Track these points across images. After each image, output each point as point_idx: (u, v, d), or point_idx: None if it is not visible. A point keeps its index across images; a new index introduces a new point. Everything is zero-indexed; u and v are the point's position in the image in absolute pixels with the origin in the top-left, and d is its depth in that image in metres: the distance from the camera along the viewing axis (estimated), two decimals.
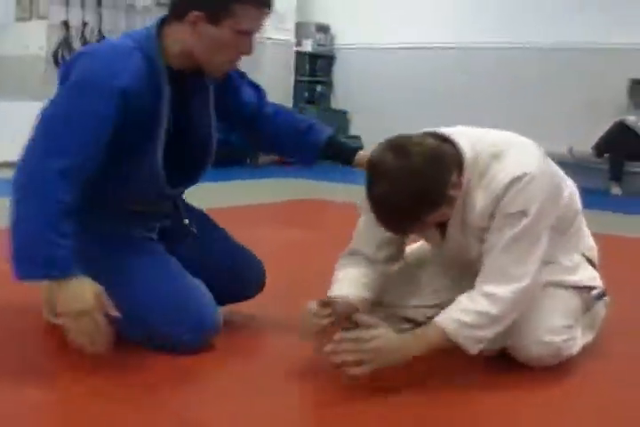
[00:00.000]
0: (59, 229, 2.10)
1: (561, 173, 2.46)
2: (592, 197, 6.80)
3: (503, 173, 2.19)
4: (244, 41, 2.32)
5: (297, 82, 9.97)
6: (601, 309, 2.60)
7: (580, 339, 2.51)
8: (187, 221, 2.67)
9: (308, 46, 9.94)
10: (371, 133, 9.83)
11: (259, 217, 5.44)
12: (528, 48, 8.60)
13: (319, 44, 10.08)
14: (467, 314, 2.19)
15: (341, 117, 10.12)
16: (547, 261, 2.35)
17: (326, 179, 7.57)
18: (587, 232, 2.64)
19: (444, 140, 2.22)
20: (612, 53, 8.09)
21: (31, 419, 2.00)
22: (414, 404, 2.15)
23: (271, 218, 5.62)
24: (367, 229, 2.41)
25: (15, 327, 2.66)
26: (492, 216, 2.24)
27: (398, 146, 2.13)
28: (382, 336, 2.19)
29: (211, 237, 2.72)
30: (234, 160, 8.52)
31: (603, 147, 7.62)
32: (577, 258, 2.54)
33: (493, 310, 2.20)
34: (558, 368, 2.42)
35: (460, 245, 2.38)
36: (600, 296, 2.55)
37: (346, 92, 10.10)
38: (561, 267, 2.48)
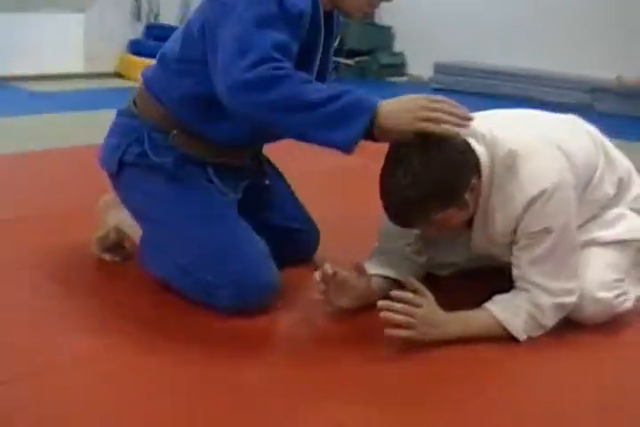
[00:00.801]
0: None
1: (591, 156, 2.38)
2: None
3: (520, 193, 2.17)
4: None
5: None
6: None
7: (632, 293, 2.46)
8: (267, 181, 2.70)
9: None
10: (414, 51, 9.66)
11: None
12: None
13: None
14: (519, 312, 2.24)
15: (385, 33, 9.87)
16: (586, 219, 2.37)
17: None
18: (636, 182, 2.56)
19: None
20: None
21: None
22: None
23: None
24: (392, 227, 2.30)
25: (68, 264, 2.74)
26: (514, 233, 2.23)
27: (428, 135, 2.05)
28: (431, 305, 2.19)
29: (281, 198, 2.76)
30: None
31: None
32: (616, 210, 2.49)
33: (543, 320, 2.26)
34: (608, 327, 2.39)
35: (487, 249, 2.38)
36: None
37: (392, 7, 9.75)
38: (601, 221, 2.45)
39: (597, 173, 2.39)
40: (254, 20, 2.08)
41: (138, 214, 2.55)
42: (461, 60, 9.03)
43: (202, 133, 2.43)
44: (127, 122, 2.52)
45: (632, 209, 2.53)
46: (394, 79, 9.61)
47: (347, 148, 2.05)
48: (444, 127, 2.05)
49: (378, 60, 9.60)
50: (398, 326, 2.14)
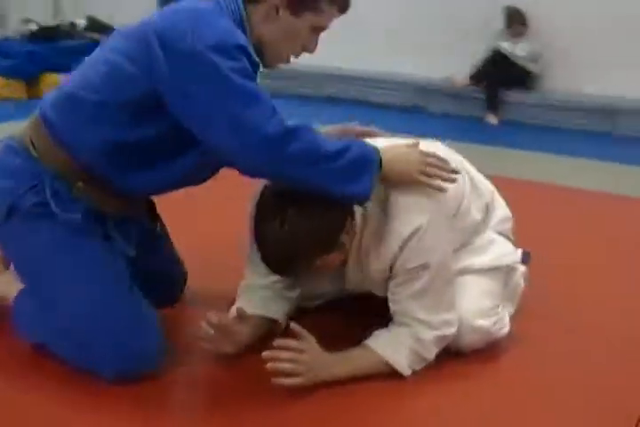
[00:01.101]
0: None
1: (458, 185, 2.32)
2: (469, 126, 7.08)
3: (394, 231, 2.17)
4: (314, 38, 2.21)
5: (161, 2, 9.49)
6: (519, 279, 2.60)
7: (506, 317, 2.51)
8: (158, 227, 2.56)
9: None
10: None
11: None
12: None
13: None
14: (402, 348, 2.23)
15: None
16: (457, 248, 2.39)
17: None
18: (499, 204, 2.61)
19: None
20: None
21: None
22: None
23: None
24: (260, 264, 2.23)
25: None
26: (390, 269, 2.22)
27: (286, 189, 2.08)
28: (315, 350, 2.16)
29: (160, 240, 2.61)
30: None
31: (479, 75, 7.60)
32: (485, 236, 2.53)
33: (425, 354, 2.26)
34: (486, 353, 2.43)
35: (361, 284, 2.36)
36: (516, 267, 2.55)
37: None
38: (472, 248, 2.48)
39: (465, 201, 2.40)
40: (238, 73, 1.96)
41: (21, 267, 2.30)
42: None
43: (112, 184, 2.22)
44: (22, 164, 2.22)
45: (498, 232, 2.56)
46: None
47: (365, 199, 2.10)
48: (438, 183, 2.16)
49: None
50: (286, 373, 2.10)
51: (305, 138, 1.99)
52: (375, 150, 2.10)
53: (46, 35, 7.89)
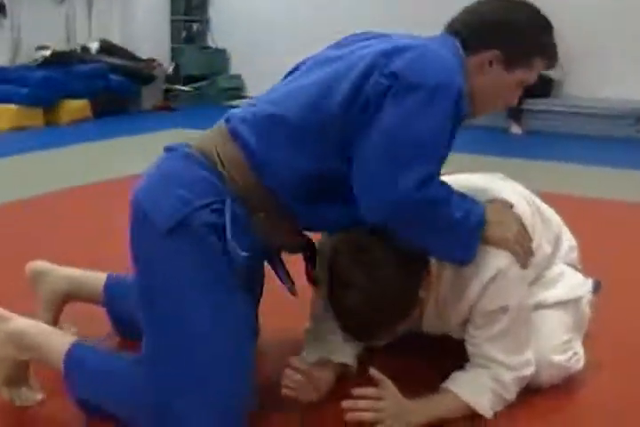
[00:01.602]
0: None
1: (529, 219, 2.28)
2: (493, 137, 7.02)
3: (474, 275, 2.10)
4: (518, 93, 2.19)
5: (173, 21, 9.49)
6: (585, 308, 2.52)
7: (581, 351, 2.43)
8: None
9: None
10: (252, 73, 9.57)
11: None
12: None
13: None
14: (484, 390, 2.17)
15: (221, 57, 9.74)
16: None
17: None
18: (565, 235, 2.56)
19: None
20: None
21: None
22: None
23: None
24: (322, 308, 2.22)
25: None
26: (468, 312, 2.16)
27: (361, 250, 2.03)
28: (395, 396, 2.09)
29: None
30: (116, 108, 8.12)
31: None
32: (556, 269, 2.47)
33: (507, 395, 2.19)
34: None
35: (439, 328, 2.31)
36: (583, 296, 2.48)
37: (224, 30, 9.68)
38: (544, 281, 2.42)
39: (536, 237, 2.32)
40: (441, 125, 1.92)
41: (151, 291, 2.02)
42: None
43: (296, 217, 2.07)
44: (207, 177, 2.01)
45: (567, 263, 2.50)
46: (234, 103, 9.48)
47: (467, 263, 2.08)
48: (527, 257, 2.13)
49: (216, 85, 9.46)
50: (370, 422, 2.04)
51: (446, 209, 1.95)
52: (484, 213, 2.07)
53: (60, 60, 7.83)
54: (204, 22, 9.87)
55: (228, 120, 2.10)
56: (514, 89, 2.17)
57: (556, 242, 2.46)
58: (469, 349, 2.21)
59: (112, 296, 2.55)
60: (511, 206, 2.19)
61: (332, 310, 2.09)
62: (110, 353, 2.30)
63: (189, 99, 9.24)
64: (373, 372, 2.07)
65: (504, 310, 2.11)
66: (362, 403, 2.03)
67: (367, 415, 2.02)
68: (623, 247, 3.78)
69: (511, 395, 2.20)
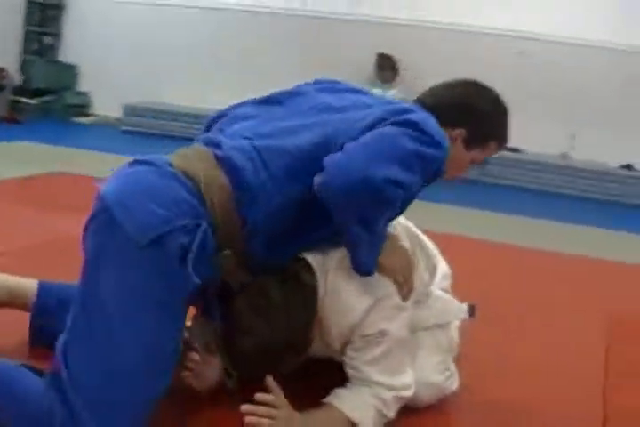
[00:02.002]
0: None
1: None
2: None
3: (357, 302, 2.16)
4: (467, 169, 2.40)
5: (26, 32, 9.27)
6: (454, 333, 2.61)
7: (456, 372, 2.53)
8: None
9: None
10: (100, 91, 9.48)
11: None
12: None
13: None
14: (368, 408, 2.21)
15: (70, 72, 9.58)
16: None
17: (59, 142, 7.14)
18: (441, 263, 2.67)
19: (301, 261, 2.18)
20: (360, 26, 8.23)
21: None
22: None
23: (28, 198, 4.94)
24: None
25: None
26: (350, 336, 2.21)
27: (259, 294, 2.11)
28: (288, 407, 2.13)
29: None
30: None
31: None
32: (433, 294, 2.55)
33: (388, 413, 2.23)
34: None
35: (319, 351, 2.31)
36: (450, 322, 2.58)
37: (76, 45, 9.54)
38: (422, 306, 2.47)
39: (418, 265, 2.43)
40: (420, 170, 2.03)
41: (98, 295, 1.97)
42: (150, 101, 8.98)
43: (252, 258, 2.11)
44: (188, 199, 2.00)
45: (442, 289, 2.61)
46: (80, 120, 9.35)
47: (370, 272, 2.14)
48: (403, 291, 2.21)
49: (63, 100, 9.31)
50: None
51: (387, 213, 2.05)
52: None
53: None
54: (58, 36, 9.69)
55: (217, 146, 2.11)
56: (465, 165, 2.38)
57: (433, 270, 2.56)
58: (349, 371, 2.25)
59: (42, 307, 2.50)
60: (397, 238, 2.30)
61: (222, 353, 2.15)
62: None
63: (35, 112, 9.06)
64: (269, 380, 2.10)
65: (383, 334, 2.17)
66: (262, 409, 2.06)
67: (265, 421, 2.05)
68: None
69: (392, 413, 2.24)
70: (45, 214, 4.37)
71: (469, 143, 2.33)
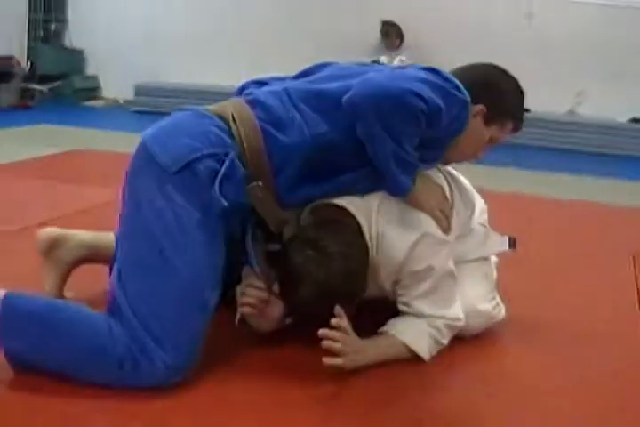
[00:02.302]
0: None
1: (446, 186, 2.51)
2: None
3: (400, 240, 2.27)
4: (487, 148, 2.51)
5: (31, 20, 9.32)
6: (493, 267, 2.73)
7: (501, 303, 2.64)
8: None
9: None
10: (108, 74, 9.55)
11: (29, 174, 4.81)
12: None
13: None
14: (422, 335, 2.35)
15: (77, 57, 9.66)
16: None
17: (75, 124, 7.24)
18: (478, 199, 2.76)
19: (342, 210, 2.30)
20: None
21: None
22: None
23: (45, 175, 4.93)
24: None
25: None
26: (398, 274, 2.32)
27: (312, 245, 2.20)
28: (355, 335, 2.25)
29: None
30: None
31: None
32: (475, 228, 2.67)
33: (442, 339, 2.38)
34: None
35: (377, 291, 2.41)
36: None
37: (82, 30, 9.60)
38: (466, 240, 2.60)
39: (455, 203, 2.52)
40: (445, 104, 2.20)
41: (143, 224, 2.11)
42: (158, 81, 9.07)
43: (279, 197, 2.23)
44: (216, 131, 2.17)
45: (480, 224, 2.71)
46: (90, 103, 9.43)
47: (404, 193, 2.28)
48: (445, 223, 2.35)
49: (72, 85, 9.37)
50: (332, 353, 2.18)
51: (413, 129, 2.17)
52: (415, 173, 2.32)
53: None
54: (63, 22, 9.76)
55: (249, 94, 2.31)
56: (485, 142, 2.48)
57: (471, 205, 2.66)
58: (401, 308, 2.38)
59: None
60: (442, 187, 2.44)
61: (285, 301, 2.25)
62: (55, 301, 2.32)
63: (46, 98, 9.11)
64: (337, 308, 2.19)
65: (430, 269, 2.29)
66: (336, 334, 2.17)
67: (337, 346, 2.16)
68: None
69: (445, 340, 2.38)
70: (77, 187, 4.47)
71: (489, 120, 2.44)
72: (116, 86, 9.50)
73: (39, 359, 2.04)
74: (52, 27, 9.61)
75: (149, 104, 8.69)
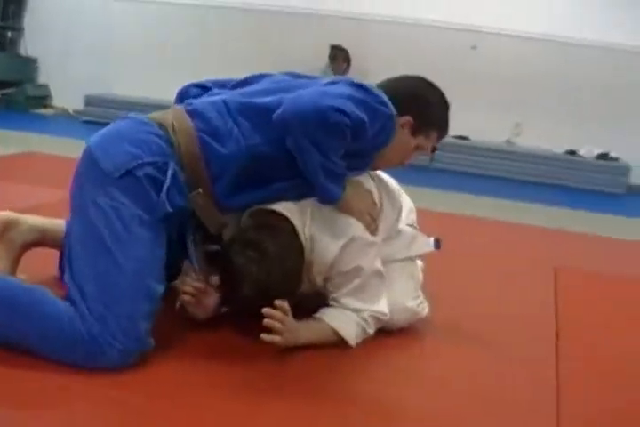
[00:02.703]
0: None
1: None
2: None
3: (333, 242, 2.46)
4: (412, 156, 2.70)
5: None
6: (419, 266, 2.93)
7: (425, 301, 2.84)
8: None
9: None
10: (59, 83, 9.66)
11: None
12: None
13: None
14: (350, 322, 2.53)
15: (30, 65, 9.77)
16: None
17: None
18: (405, 199, 2.96)
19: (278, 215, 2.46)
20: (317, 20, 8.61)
21: None
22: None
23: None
24: None
25: None
26: (329, 272, 2.52)
27: (253, 246, 2.36)
28: (292, 317, 2.41)
29: None
30: None
31: None
32: (403, 229, 2.86)
33: (368, 329, 2.57)
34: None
35: (309, 288, 2.59)
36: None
37: (37, 38, 9.72)
38: (394, 241, 2.80)
39: (383, 205, 2.71)
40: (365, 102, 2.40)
41: (88, 221, 2.26)
42: (108, 93, 9.21)
43: (217, 202, 2.42)
44: (156, 141, 2.34)
45: (408, 224, 2.91)
46: (41, 111, 9.53)
47: (333, 201, 2.46)
48: (372, 227, 2.56)
49: (24, 92, 9.48)
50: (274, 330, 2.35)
51: (337, 141, 2.35)
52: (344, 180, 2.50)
53: None
54: (19, 30, 9.89)
55: (189, 104, 2.47)
56: (411, 151, 2.67)
57: (399, 209, 2.84)
58: (331, 303, 2.57)
59: None
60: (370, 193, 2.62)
61: (226, 297, 2.45)
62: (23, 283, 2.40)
63: None
64: (277, 301, 2.36)
65: (358, 269, 2.49)
66: (278, 313, 2.34)
67: (276, 325, 2.33)
68: None
69: (371, 329, 2.57)
70: (28, 186, 4.58)
71: (415, 130, 2.61)
72: (66, 96, 9.61)
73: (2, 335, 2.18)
74: (9, 34, 9.71)
75: (99, 115, 8.82)
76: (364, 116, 2.35)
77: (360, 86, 2.44)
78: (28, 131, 7.54)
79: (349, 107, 2.31)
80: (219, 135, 2.37)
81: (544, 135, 8.58)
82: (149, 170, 2.29)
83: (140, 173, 2.28)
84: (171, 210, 2.29)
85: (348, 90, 2.39)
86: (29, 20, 9.84)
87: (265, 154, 2.38)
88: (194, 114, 2.41)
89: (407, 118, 2.58)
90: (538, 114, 8.55)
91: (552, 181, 8.34)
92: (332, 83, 2.48)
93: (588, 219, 6.33)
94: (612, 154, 8.58)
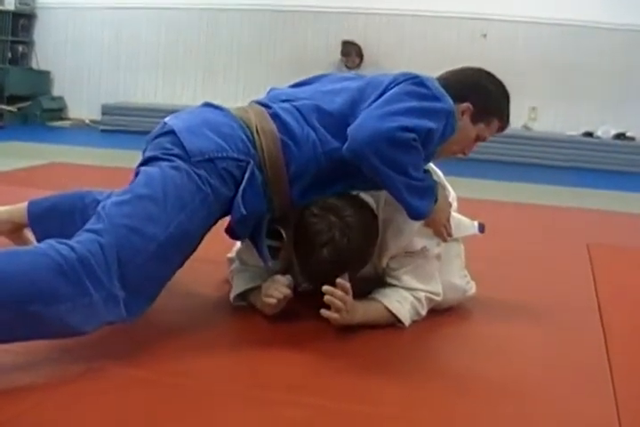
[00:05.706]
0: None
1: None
2: None
3: (407, 225, 2.54)
4: (474, 146, 2.70)
5: (0, 41, 9.52)
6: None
7: (472, 280, 2.89)
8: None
9: (10, 5, 9.55)
10: (74, 95, 9.73)
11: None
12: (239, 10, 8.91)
13: (22, 3, 9.71)
14: (405, 303, 2.59)
15: (43, 78, 9.84)
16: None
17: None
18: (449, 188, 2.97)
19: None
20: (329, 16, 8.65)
21: None
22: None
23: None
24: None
25: None
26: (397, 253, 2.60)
27: (332, 212, 2.41)
28: (351, 297, 2.45)
29: None
30: None
31: None
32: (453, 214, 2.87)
33: (421, 310, 2.63)
34: None
35: (371, 271, 2.65)
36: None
37: (48, 52, 9.81)
38: None
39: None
40: (434, 123, 2.40)
41: (148, 182, 2.27)
42: (124, 101, 9.28)
43: (293, 199, 2.47)
44: (245, 141, 2.38)
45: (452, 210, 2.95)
46: (57, 123, 9.60)
47: (421, 217, 2.49)
48: (445, 237, 2.64)
49: (40, 105, 9.55)
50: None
51: (413, 157, 2.37)
52: (436, 190, 2.55)
53: None
54: (30, 44, 9.96)
55: (267, 107, 2.49)
56: (472, 140, 2.67)
57: (453, 198, 2.88)
58: (390, 281, 2.63)
59: (36, 216, 2.78)
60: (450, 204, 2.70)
61: (300, 264, 2.50)
62: None
63: (14, 118, 9.28)
64: (339, 280, 2.39)
65: (424, 250, 2.58)
66: (339, 292, 2.38)
67: (337, 302, 2.37)
68: None
69: (424, 311, 2.62)
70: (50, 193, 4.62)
71: (476, 118, 2.61)
72: (81, 107, 9.68)
73: None
74: (20, 49, 9.79)
75: (116, 123, 8.88)
76: (427, 123, 2.37)
77: (414, 82, 2.44)
78: (48, 143, 7.62)
79: (411, 121, 2.33)
80: (296, 139, 2.41)
81: (560, 119, 8.61)
82: (231, 165, 2.32)
83: (221, 165, 2.31)
84: (245, 213, 2.34)
85: (405, 101, 2.38)
86: (38, 34, 9.93)
87: (342, 157, 2.40)
88: (274, 117, 2.45)
89: (467, 105, 2.58)
90: (552, 98, 8.59)
91: (571, 164, 8.35)
92: (395, 82, 2.47)
93: (611, 198, 6.41)
94: (629, 133, 8.59)
